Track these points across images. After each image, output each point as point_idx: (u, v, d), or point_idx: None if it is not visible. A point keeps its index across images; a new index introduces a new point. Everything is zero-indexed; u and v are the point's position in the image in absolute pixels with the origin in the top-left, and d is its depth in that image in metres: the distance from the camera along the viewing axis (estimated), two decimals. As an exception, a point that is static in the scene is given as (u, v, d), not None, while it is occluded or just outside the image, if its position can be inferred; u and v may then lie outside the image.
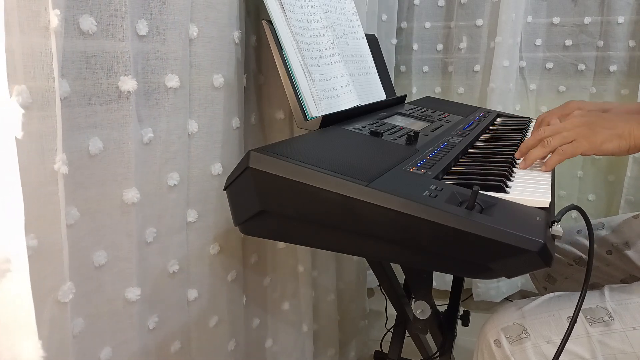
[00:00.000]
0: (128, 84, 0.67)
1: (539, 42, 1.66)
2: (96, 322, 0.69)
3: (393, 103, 1.13)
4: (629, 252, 0.94)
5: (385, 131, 0.84)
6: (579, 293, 0.62)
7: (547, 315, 0.71)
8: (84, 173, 0.65)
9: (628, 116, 0.74)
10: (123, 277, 0.72)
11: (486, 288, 1.74)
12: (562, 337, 0.61)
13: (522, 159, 0.75)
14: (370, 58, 1.13)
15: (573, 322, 0.60)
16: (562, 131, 0.72)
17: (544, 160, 0.74)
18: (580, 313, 0.69)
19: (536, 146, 0.74)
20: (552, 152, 0.72)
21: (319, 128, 0.82)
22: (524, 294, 1.83)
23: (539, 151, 0.73)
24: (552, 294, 0.75)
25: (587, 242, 0.98)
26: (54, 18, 0.54)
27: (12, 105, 0.51)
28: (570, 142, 0.71)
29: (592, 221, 0.99)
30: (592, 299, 0.71)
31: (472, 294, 1.77)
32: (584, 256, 0.98)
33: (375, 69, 1.14)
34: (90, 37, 0.62)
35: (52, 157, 0.56)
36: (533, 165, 0.74)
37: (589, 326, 0.69)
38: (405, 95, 1.20)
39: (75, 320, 0.65)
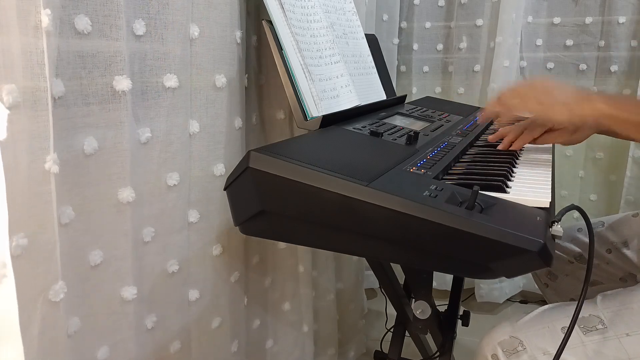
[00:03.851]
0: (122, 83, 0.66)
1: (539, 42, 1.66)
2: (93, 322, 0.69)
3: (393, 103, 1.13)
4: (628, 252, 0.94)
5: (385, 131, 0.84)
6: (572, 303, 0.62)
7: (541, 327, 0.71)
8: (79, 172, 0.64)
9: (580, 91, 0.78)
10: (119, 276, 0.71)
11: (489, 289, 1.74)
12: (557, 348, 0.61)
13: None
14: (370, 58, 1.13)
15: (572, 326, 0.60)
16: (517, 96, 0.79)
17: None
18: None
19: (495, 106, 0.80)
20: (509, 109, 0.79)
21: (319, 128, 0.82)
22: (525, 294, 1.83)
23: (502, 114, 0.82)
24: (546, 306, 0.76)
25: (587, 240, 0.98)
26: (45, 17, 0.54)
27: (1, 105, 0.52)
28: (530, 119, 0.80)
29: (592, 220, 1.00)
30: (584, 308, 0.71)
31: (473, 294, 1.77)
32: (585, 254, 0.98)
33: (375, 69, 1.14)
34: (85, 36, 0.62)
35: (43, 157, 0.56)
36: (531, 164, 0.74)
37: (583, 335, 0.69)
38: (405, 95, 1.19)
39: (70, 320, 0.64)
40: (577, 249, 1.00)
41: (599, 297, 0.73)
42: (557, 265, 1.03)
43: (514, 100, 0.78)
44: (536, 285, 1.74)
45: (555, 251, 1.00)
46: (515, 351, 0.70)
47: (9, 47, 0.52)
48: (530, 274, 1.75)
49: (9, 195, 0.53)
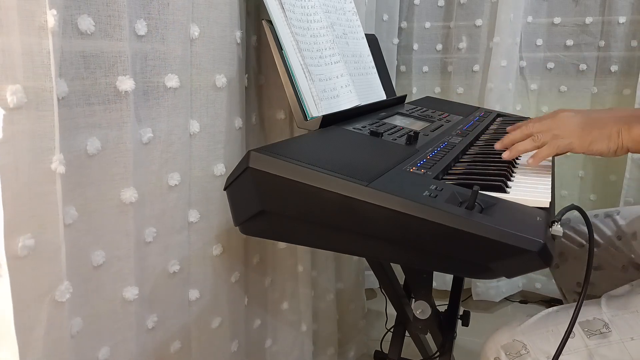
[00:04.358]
0: (126, 83, 0.67)
1: (539, 42, 1.66)
2: (94, 322, 0.69)
3: (393, 103, 1.13)
4: (635, 243, 0.95)
5: (385, 131, 0.84)
6: (575, 304, 0.61)
7: (545, 331, 0.71)
8: (82, 173, 0.65)
9: (617, 118, 0.73)
10: (121, 276, 0.71)
11: (485, 287, 1.74)
12: (560, 351, 0.61)
13: (507, 149, 0.74)
14: (370, 58, 1.13)
15: (571, 326, 0.60)
16: (552, 129, 0.72)
17: (530, 154, 0.73)
18: (578, 326, 0.70)
19: (524, 140, 0.73)
20: (540, 147, 0.72)
21: (319, 128, 0.82)
22: (524, 295, 1.83)
23: (528, 144, 0.72)
24: (549, 309, 0.76)
25: (600, 225, 1.00)
26: (51, 18, 0.54)
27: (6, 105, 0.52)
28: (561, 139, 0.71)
29: (609, 209, 1.02)
30: (588, 311, 0.71)
31: (471, 295, 1.77)
32: (597, 238, 0.99)
33: (375, 69, 1.14)
34: (88, 37, 0.62)
35: (49, 157, 0.56)
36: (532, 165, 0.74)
37: (587, 339, 0.69)
38: (405, 95, 1.19)
39: (73, 320, 0.65)
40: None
41: (603, 300, 0.73)
42: (569, 247, 1.03)
43: (546, 135, 0.72)
44: (536, 285, 1.76)
45: (569, 233, 1.00)
46: (518, 354, 0.70)
47: (13, 47, 0.52)
48: (529, 277, 1.76)
49: (15, 195, 0.53)
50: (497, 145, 0.76)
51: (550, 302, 1.74)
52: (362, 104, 1.00)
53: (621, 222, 0.99)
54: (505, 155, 0.73)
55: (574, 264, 1.04)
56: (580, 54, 1.64)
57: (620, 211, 1.01)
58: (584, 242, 1.02)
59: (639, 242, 0.95)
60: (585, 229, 1.02)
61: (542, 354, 0.69)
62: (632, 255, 0.96)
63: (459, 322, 1.07)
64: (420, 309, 0.75)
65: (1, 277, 0.54)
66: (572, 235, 1.03)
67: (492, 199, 0.59)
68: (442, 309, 0.98)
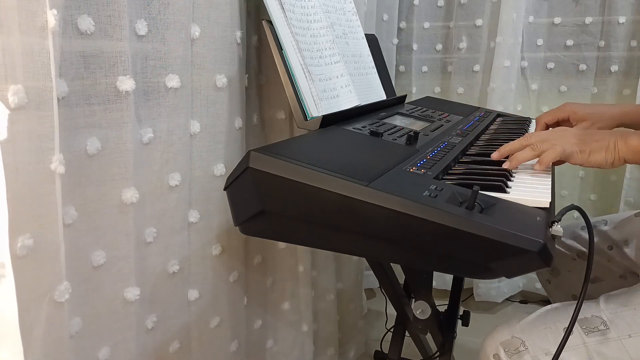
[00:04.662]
0: (126, 83, 0.67)
1: (540, 42, 1.66)
2: (94, 322, 0.69)
3: (393, 103, 1.13)
4: (628, 250, 0.95)
5: (385, 131, 0.84)
6: (574, 304, 0.62)
7: (544, 328, 0.71)
8: (82, 173, 0.65)
9: (613, 130, 0.74)
10: (121, 277, 0.71)
11: (487, 288, 1.74)
12: (561, 351, 0.61)
13: (507, 159, 0.74)
14: (370, 58, 1.13)
15: (572, 325, 0.60)
16: (550, 139, 0.73)
17: (530, 162, 0.73)
18: (577, 324, 0.70)
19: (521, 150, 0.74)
20: (539, 155, 0.72)
21: (319, 128, 0.82)
22: (525, 295, 1.83)
23: (528, 153, 0.73)
24: (548, 307, 0.76)
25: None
26: (52, 18, 0.54)
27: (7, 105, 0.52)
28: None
29: (595, 218, 1.01)
30: (587, 309, 0.71)
31: (472, 294, 1.77)
32: (587, 251, 0.99)
33: (375, 69, 1.14)
34: (88, 37, 0.62)
35: (49, 157, 0.56)
36: (531, 164, 0.74)
37: (585, 336, 0.69)
38: (405, 95, 1.19)
39: (72, 320, 0.65)
40: (580, 246, 1.01)
41: (602, 298, 0.73)
42: (561, 261, 1.03)
43: (545, 144, 0.72)
44: (536, 285, 1.75)
45: (559, 248, 1.01)
46: (517, 351, 0.70)
47: (14, 47, 0.52)
48: (529, 277, 1.76)
49: (15, 195, 0.53)
50: (495, 155, 0.76)
51: (550, 302, 1.74)
52: (362, 104, 1.00)
53: (609, 231, 0.99)
54: (505, 165, 0.73)
55: (568, 277, 1.04)
56: (580, 54, 1.64)
57: (607, 221, 1.00)
58: (575, 256, 1.02)
59: (632, 249, 0.95)
60: (574, 242, 1.02)
61: (541, 351, 0.69)
62: (626, 263, 0.96)
63: (459, 322, 1.07)
64: (420, 309, 0.75)
65: (4, 277, 0.54)
66: (561, 250, 1.03)
67: (492, 199, 0.59)
68: (442, 309, 0.98)
